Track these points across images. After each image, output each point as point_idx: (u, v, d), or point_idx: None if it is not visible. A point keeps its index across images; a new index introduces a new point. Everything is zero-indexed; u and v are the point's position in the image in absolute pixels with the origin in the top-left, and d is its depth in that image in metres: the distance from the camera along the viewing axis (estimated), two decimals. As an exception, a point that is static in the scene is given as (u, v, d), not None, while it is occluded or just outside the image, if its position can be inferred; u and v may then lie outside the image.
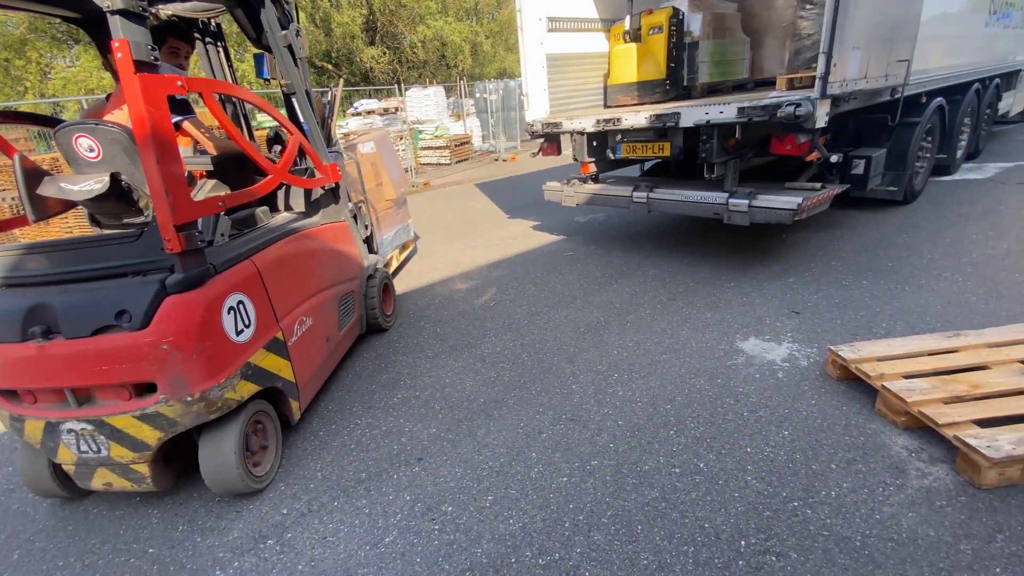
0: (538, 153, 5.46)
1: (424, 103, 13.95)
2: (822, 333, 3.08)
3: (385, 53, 20.03)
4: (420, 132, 13.34)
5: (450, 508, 2.04)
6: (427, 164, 13.08)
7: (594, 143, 4.93)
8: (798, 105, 3.21)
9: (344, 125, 11.67)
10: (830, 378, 2.64)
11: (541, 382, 2.85)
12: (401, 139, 11.57)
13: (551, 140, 5.27)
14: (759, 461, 2.11)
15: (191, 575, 1.87)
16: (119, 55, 1.66)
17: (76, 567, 1.97)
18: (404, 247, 5.19)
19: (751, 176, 4.44)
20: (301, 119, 3.12)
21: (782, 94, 3.58)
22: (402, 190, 5.10)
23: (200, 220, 2.06)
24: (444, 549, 1.86)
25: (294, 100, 3.07)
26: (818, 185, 3.86)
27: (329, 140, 3.97)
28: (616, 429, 2.39)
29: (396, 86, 11.42)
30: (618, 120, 4.26)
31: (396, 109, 11.99)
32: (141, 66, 1.70)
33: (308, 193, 3.04)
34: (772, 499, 1.92)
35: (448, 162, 12.87)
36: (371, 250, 3.87)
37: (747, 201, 3.68)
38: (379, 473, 2.27)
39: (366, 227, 3.70)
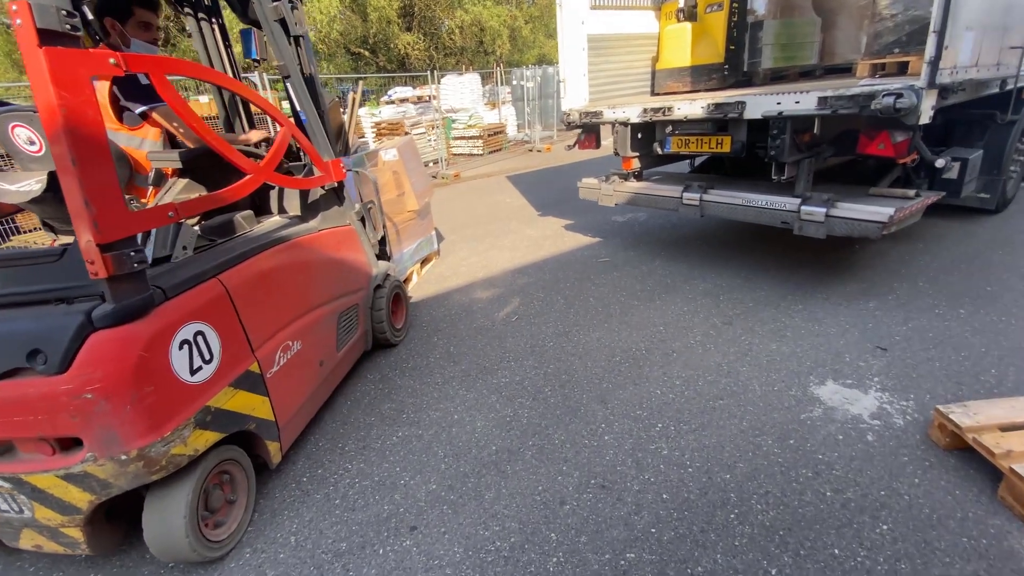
0: (574, 146, 4.92)
1: (459, 91, 13.46)
2: (918, 379, 2.48)
3: (422, 39, 19.60)
4: (453, 121, 12.90)
5: (443, 607, 1.60)
6: (459, 155, 12.65)
7: (639, 135, 4.36)
8: (899, 96, 2.57)
9: (377, 113, 11.33)
10: (934, 445, 2.06)
11: (567, 428, 2.37)
12: (434, 128, 11.17)
13: (589, 131, 4.72)
14: (850, 572, 1.58)
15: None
16: (17, 21, 1.25)
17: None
18: (426, 260, 4.77)
19: (817, 177, 3.78)
20: (298, 108, 2.70)
21: (875, 82, 2.94)
22: (426, 200, 4.66)
23: (145, 234, 1.66)
24: (429, 674, 1.42)
25: (288, 85, 2.64)
26: (911, 192, 3.20)
27: (346, 148, 3.58)
28: (660, 505, 1.89)
29: (430, 73, 10.94)
30: (669, 109, 3.68)
31: (430, 97, 11.56)
32: (48, 37, 1.29)
33: (305, 194, 2.64)
34: (879, 640, 1.39)
35: (481, 152, 12.39)
36: (382, 256, 3.47)
37: (825, 209, 3.07)
38: (362, 545, 1.85)
39: (376, 229, 3.32)
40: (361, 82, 4.42)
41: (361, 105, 12.01)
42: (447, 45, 20.48)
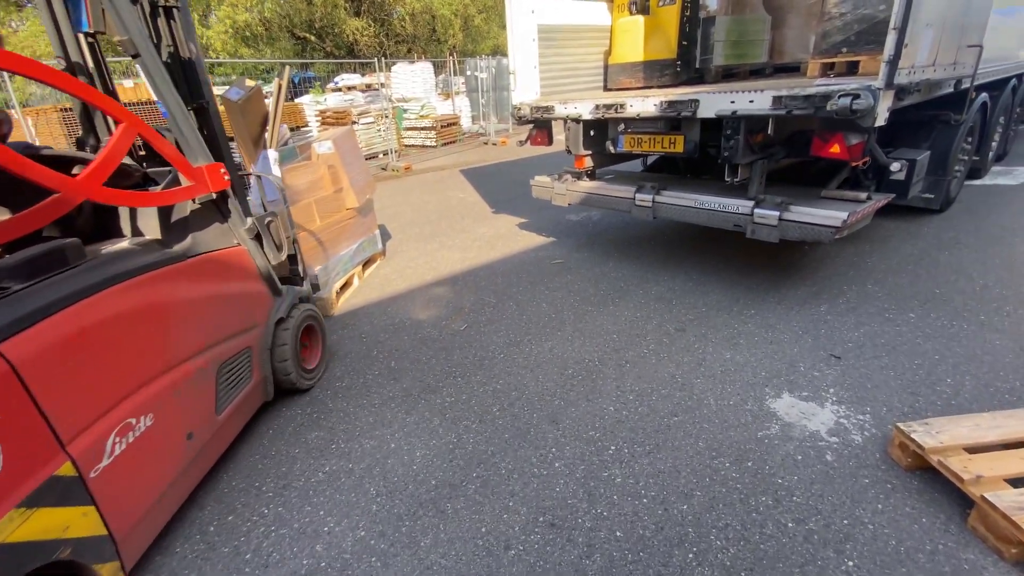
0: (526, 142, 4.71)
1: (411, 80, 12.97)
2: (873, 390, 2.43)
3: (371, 25, 18.82)
4: (405, 111, 12.42)
5: None
6: (411, 146, 12.20)
7: (591, 133, 4.19)
8: (856, 96, 2.50)
9: (322, 101, 10.72)
10: (896, 464, 1.99)
11: (514, 455, 2.17)
12: (384, 118, 10.68)
13: (541, 127, 4.53)
14: (819, 616, 1.46)
15: None
16: None
17: None
18: (369, 262, 4.44)
19: (771, 176, 3.73)
20: (155, 98, 2.27)
21: (831, 82, 2.87)
22: (367, 196, 4.33)
23: None
24: None
25: (138, 66, 2.00)
26: (863, 195, 3.17)
27: (268, 142, 3.17)
28: (613, 545, 1.72)
29: (378, 60, 10.43)
30: (622, 106, 3.52)
31: (380, 85, 11.06)
32: None
33: (167, 211, 2.02)
34: None
35: (434, 144, 12.00)
36: (290, 278, 2.93)
37: (778, 213, 2.99)
38: (273, 612, 1.59)
39: (281, 247, 2.70)
40: (288, 67, 4.01)
41: (303, 93, 11.37)
42: (398, 32, 19.78)
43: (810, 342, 2.85)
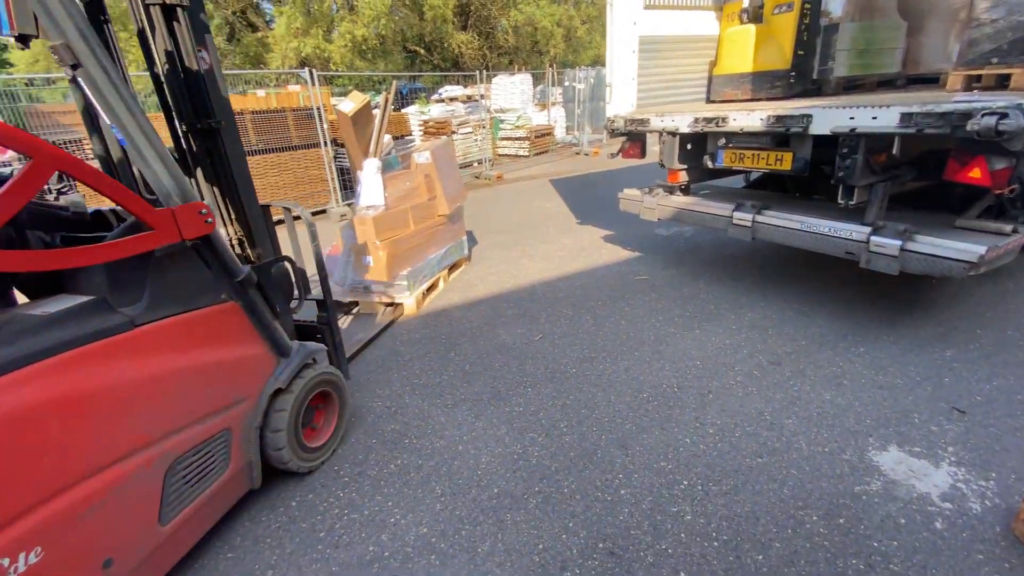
0: (617, 154, 4.63)
1: (509, 91, 13.32)
2: (1002, 454, 2.08)
3: (476, 38, 19.61)
4: (501, 121, 12.76)
5: None
6: (505, 155, 12.50)
7: (688, 146, 4.03)
8: (1003, 116, 2.16)
9: (426, 112, 11.34)
10: (1018, 540, 1.69)
11: (579, 475, 2.12)
12: (481, 128, 11.06)
13: (634, 139, 4.42)
14: None
15: None
16: None
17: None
18: (455, 266, 4.61)
19: (890, 200, 3.33)
20: (107, 121, 1.71)
21: (972, 97, 2.52)
22: (458, 204, 4.51)
23: None
24: None
25: (80, 82, 1.47)
26: (1008, 228, 2.73)
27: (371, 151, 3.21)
28: (675, 586, 1.62)
29: (479, 72, 10.83)
30: (724, 120, 3.35)
31: (480, 96, 11.48)
32: None
33: (112, 268, 1.54)
34: None
35: (527, 154, 12.20)
36: (315, 328, 2.51)
37: (900, 242, 2.66)
38: (338, 593, 1.69)
39: (293, 298, 2.24)
40: (395, 82, 4.28)
41: (410, 104, 12.10)
42: (501, 45, 20.41)
43: (929, 391, 2.50)
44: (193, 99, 1.93)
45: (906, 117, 2.42)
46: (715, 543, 1.77)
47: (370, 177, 3.71)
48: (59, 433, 1.32)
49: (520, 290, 4.16)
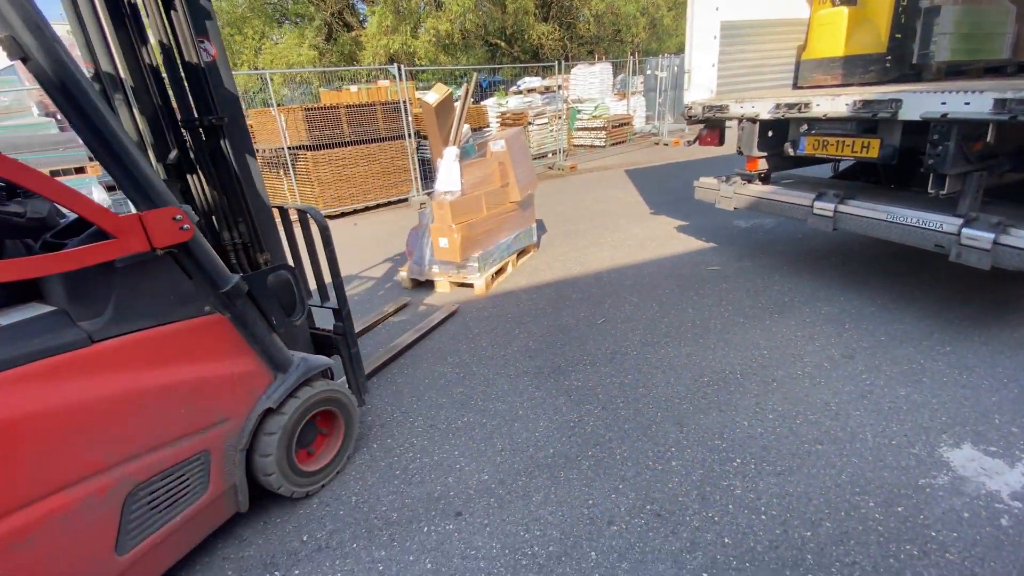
0: (694, 142, 4.58)
1: (588, 81, 13.25)
2: (1107, 463, 1.92)
3: (557, 29, 19.56)
4: (578, 112, 12.75)
5: (470, 600, 1.62)
6: (580, 146, 12.50)
7: (768, 133, 3.91)
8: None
9: (504, 103, 11.60)
10: (1118, 554, 1.58)
11: (632, 445, 2.24)
12: (558, 118, 11.14)
13: (712, 127, 4.35)
14: None
15: (198, 588, 1.75)
16: None
17: None
18: (523, 252, 4.80)
19: (986, 193, 3.06)
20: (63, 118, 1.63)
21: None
22: (529, 191, 4.68)
23: None
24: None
25: (33, 74, 1.34)
26: None
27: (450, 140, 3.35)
28: (718, 549, 1.71)
29: (558, 63, 10.87)
30: (806, 105, 3.24)
31: (558, 87, 11.54)
32: None
33: (74, 278, 1.40)
34: None
35: (603, 144, 12.13)
36: (327, 340, 2.38)
37: (993, 235, 2.48)
38: (410, 520, 1.94)
39: (293, 309, 2.06)
40: (476, 75, 4.53)
41: (490, 96, 12.41)
42: (582, 35, 20.22)
43: (1016, 393, 2.33)
44: (195, 95, 1.82)
45: (1000, 103, 2.26)
46: (763, 516, 1.82)
47: (448, 164, 3.97)
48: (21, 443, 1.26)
49: (586, 276, 4.27)
